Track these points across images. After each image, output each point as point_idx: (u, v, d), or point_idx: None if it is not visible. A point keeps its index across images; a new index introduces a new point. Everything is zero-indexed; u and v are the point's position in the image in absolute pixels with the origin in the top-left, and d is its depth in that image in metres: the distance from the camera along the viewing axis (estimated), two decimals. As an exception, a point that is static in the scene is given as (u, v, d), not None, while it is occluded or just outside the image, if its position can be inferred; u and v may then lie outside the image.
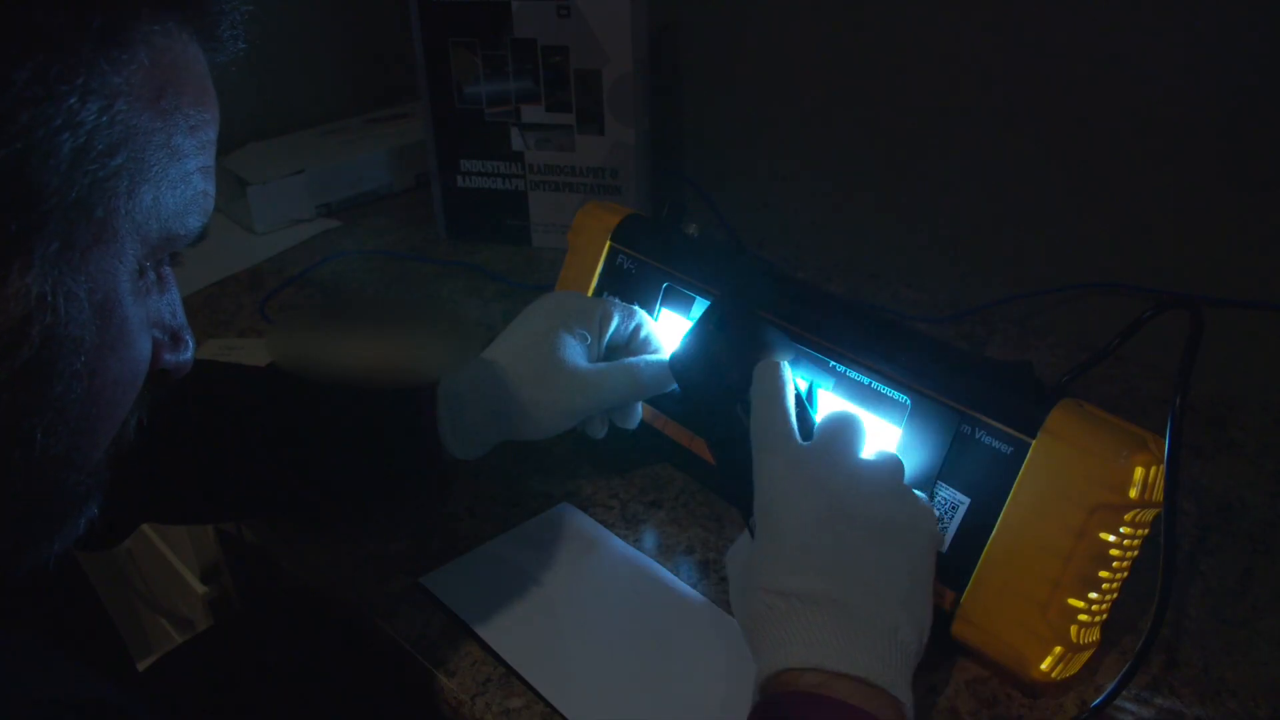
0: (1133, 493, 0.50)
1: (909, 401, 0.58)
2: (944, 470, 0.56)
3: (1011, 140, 0.86)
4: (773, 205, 1.08)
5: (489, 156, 1.05)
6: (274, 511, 0.69)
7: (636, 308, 0.68)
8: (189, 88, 0.36)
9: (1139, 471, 0.50)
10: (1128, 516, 0.51)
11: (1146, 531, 0.52)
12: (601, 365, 0.64)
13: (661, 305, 0.72)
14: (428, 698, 0.58)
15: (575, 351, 0.64)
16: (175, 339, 0.40)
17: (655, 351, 0.67)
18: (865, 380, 0.60)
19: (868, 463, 0.51)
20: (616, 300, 0.67)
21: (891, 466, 0.52)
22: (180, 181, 0.36)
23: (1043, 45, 0.82)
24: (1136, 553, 0.53)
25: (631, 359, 0.65)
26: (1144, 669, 0.56)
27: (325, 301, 0.98)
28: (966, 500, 0.55)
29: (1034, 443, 0.52)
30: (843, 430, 0.52)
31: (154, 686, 0.70)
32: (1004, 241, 0.91)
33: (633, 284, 0.73)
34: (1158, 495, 0.50)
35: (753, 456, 0.52)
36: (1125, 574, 0.53)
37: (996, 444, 0.54)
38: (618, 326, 0.66)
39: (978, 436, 0.55)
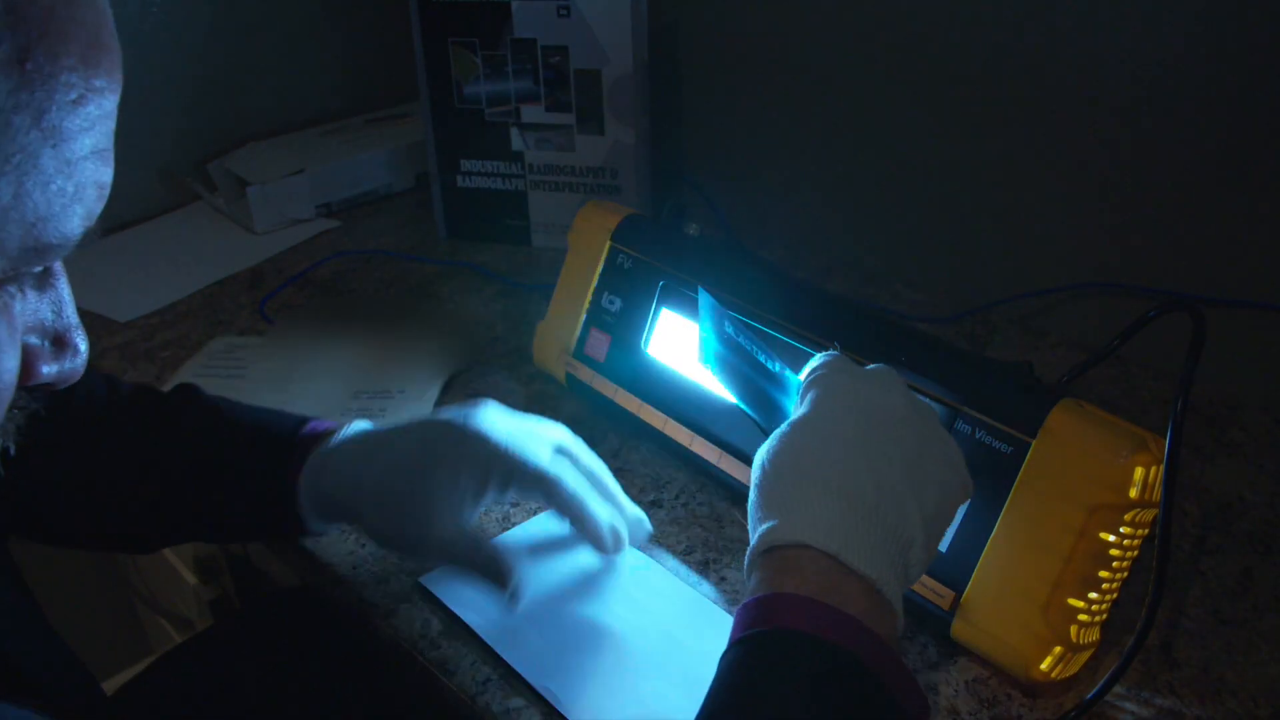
0: (1133, 493, 0.50)
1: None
2: (944, 470, 0.56)
3: (1012, 140, 0.86)
4: (773, 205, 1.08)
5: (489, 156, 1.05)
6: (127, 542, 0.64)
7: (547, 478, 0.56)
8: (70, 46, 0.27)
9: (1139, 471, 0.50)
10: (1128, 516, 0.51)
11: (1146, 531, 0.52)
12: (455, 532, 0.55)
13: (660, 304, 0.72)
14: (428, 698, 0.58)
15: (439, 508, 0.54)
16: (59, 344, 0.33)
17: (572, 518, 0.58)
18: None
19: (918, 398, 0.50)
20: (525, 464, 0.56)
21: (933, 410, 0.51)
22: (58, 173, 0.28)
23: (1043, 45, 0.82)
24: (1136, 553, 0.53)
25: (483, 551, 0.55)
26: (1144, 669, 0.56)
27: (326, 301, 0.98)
28: (966, 500, 0.55)
29: (1034, 442, 0.52)
30: (892, 370, 0.52)
31: (154, 687, 0.70)
32: (1004, 241, 0.91)
33: (633, 283, 0.73)
34: (1158, 495, 0.50)
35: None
36: (1125, 574, 0.53)
37: (996, 443, 0.54)
38: (517, 493, 0.57)
39: (978, 436, 0.55)
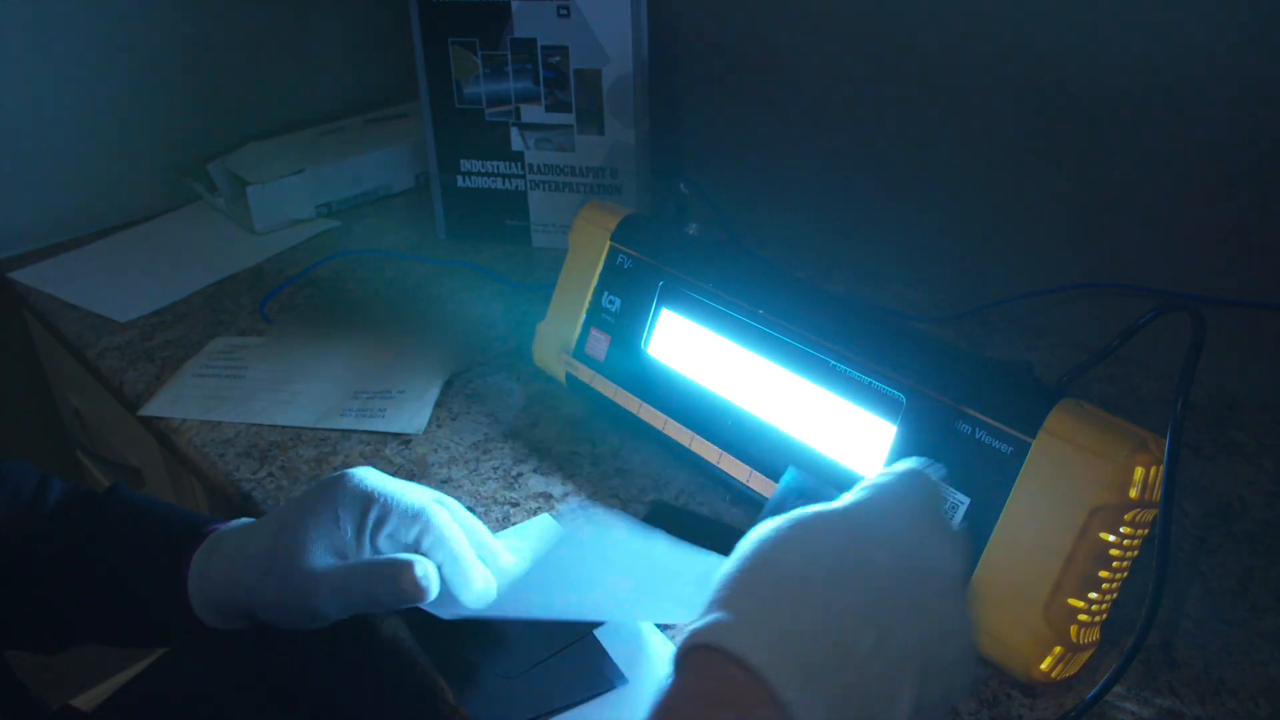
0: (1133, 493, 0.50)
1: (903, 398, 0.58)
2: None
3: (1012, 140, 0.86)
4: (773, 205, 1.08)
5: (489, 156, 1.05)
6: (28, 641, 0.61)
7: (430, 510, 0.55)
8: None
9: (1139, 471, 0.50)
10: (1128, 516, 0.51)
11: (1146, 531, 0.52)
12: (340, 565, 0.53)
13: (660, 304, 0.72)
14: (427, 698, 0.58)
15: (322, 547, 0.53)
16: None
17: (447, 555, 0.54)
18: (864, 379, 0.60)
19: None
20: (402, 499, 0.55)
21: (963, 538, 0.42)
22: None
23: (1043, 45, 0.82)
24: (1136, 553, 0.53)
25: (375, 558, 0.53)
26: (1144, 669, 0.56)
27: (325, 303, 0.98)
28: (966, 500, 0.55)
29: (1034, 442, 0.52)
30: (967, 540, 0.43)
31: (155, 688, 0.70)
32: (1004, 241, 0.91)
33: (633, 283, 0.73)
34: (1158, 495, 0.50)
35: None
36: (1125, 574, 0.53)
37: (996, 443, 0.54)
38: (394, 528, 0.54)
39: (977, 436, 0.55)
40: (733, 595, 0.37)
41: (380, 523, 0.54)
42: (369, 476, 0.55)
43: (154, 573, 0.56)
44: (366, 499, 0.54)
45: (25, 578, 0.57)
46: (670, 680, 0.36)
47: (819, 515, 0.40)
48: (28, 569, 0.57)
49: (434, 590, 0.52)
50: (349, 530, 0.53)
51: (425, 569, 0.52)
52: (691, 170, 1.14)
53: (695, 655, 0.36)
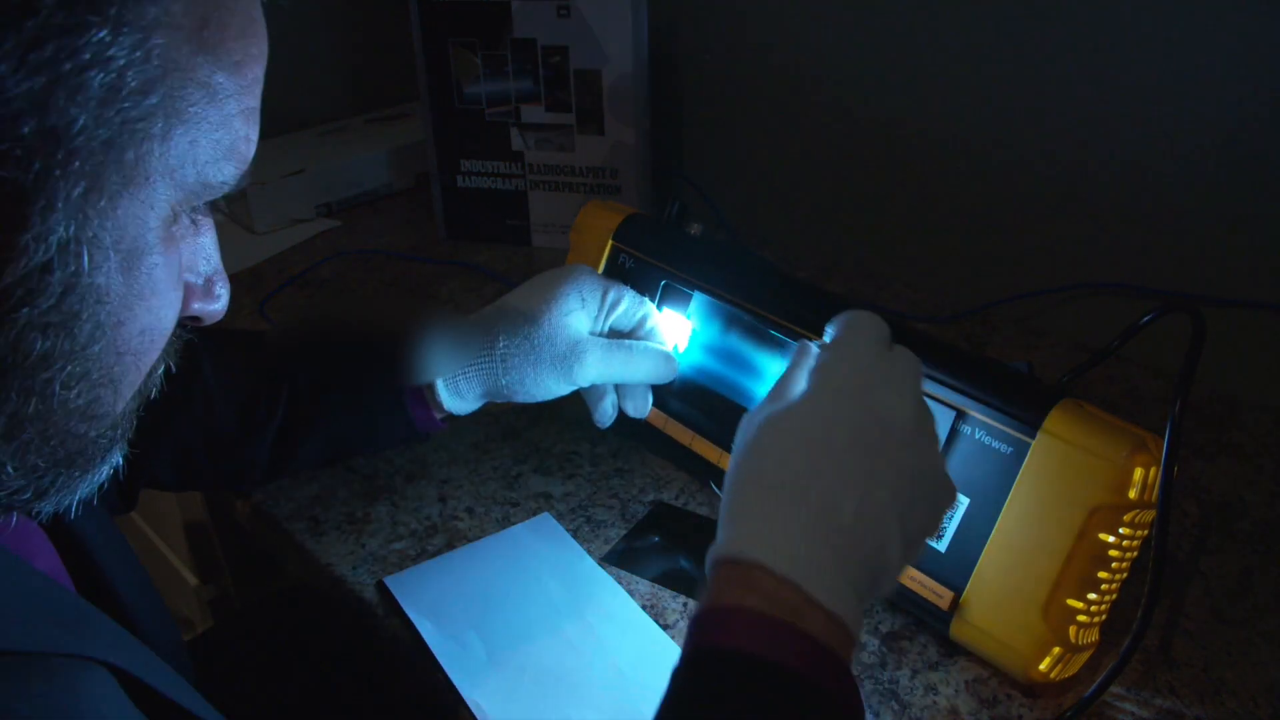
0: (1132, 493, 0.50)
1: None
2: (943, 470, 0.56)
3: (1012, 140, 0.86)
4: (773, 205, 1.08)
5: (489, 156, 1.05)
6: (272, 474, 0.68)
7: (646, 299, 0.68)
8: (234, 19, 0.33)
9: (1138, 472, 0.50)
10: (1127, 517, 0.51)
11: (1146, 532, 0.52)
12: (600, 339, 0.63)
13: (662, 304, 0.72)
14: (427, 697, 0.58)
15: (579, 319, 0.63)
16: (208, 285, 0.39)
17: (658, 344, 0.67)
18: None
19: (926, 405, 0.46)
20: (628, 287, 0.67)
21: (933, 417, 0.46)
22: (220, 125, 0.34)
23: (1043, 46, 0.82)
24: (1136, 553, 0.53)
25: (647, 343, 0.65)
26: (1144, 669, 0.56)
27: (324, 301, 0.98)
28: (966, 500, 0.55)
29: (1034, 443, 0.52)
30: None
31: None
32: (1004, 241, 0.91)
33: (635, 283, 0.73)
34: (1157, 496, 0.50)
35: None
36: (1124, 574, 0.53)
37: (996, 444, 0.54)
38: (625, 310, 0.66)
39: (977, 436, 0.55)
40: (733, 511, 0.43)
41: (615, 305, 0.65)
42: (589, 268, 0.66)
43: (396, 380, 0.63)
44: (605, 284, 0.65)
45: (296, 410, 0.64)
46: (709, 585, 0.41)
47: (778, 417, 0.44)
48: (285, 411, 0.64)
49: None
50: (594, 308, 0.64)
51: (676, 360, 0.65)
52: (691, 170, 1.14)
53: (720, 568, 0.41)
